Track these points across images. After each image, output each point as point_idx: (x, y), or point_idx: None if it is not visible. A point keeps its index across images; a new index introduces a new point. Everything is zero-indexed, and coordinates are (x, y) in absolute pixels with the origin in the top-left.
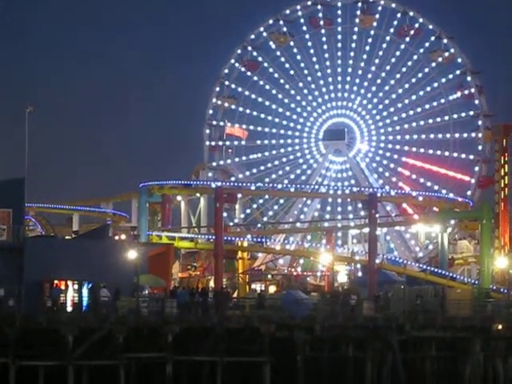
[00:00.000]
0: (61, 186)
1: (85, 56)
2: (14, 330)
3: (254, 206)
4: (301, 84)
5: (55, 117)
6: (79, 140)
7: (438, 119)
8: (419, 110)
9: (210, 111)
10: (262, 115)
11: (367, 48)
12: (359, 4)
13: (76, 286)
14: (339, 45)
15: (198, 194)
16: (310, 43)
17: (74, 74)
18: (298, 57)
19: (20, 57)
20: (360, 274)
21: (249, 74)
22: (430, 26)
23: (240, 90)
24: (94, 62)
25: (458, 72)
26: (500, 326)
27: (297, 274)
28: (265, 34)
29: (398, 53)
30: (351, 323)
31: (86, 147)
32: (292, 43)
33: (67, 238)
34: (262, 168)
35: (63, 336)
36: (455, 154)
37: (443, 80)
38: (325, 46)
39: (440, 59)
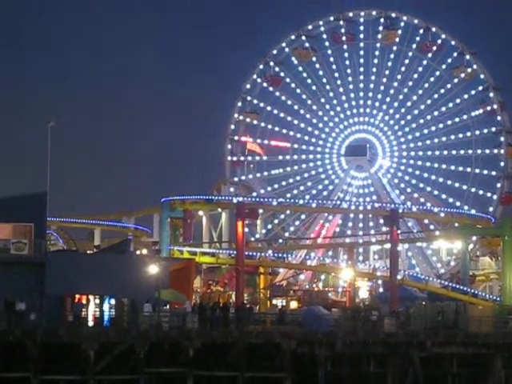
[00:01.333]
0: (83, 201)
1: (107, 69)
2: (35, 345)
3: (276, 221)
4: (323, 100)
5: (78, 131)
6: (102, 154)
7: (461, 135)
8: (441, 125)
9: (232, 126)
10: (284, 130)
11: (389, 64)
12: (382, 19)
13: (97, 301)
14: (361, 60)
15: (219, 209)
16: (332, 59)
17: (97, 87)
18: (320, 72)
19: (46, 72)
20: (381, 289)
21: (271, 89)
22: (453, 42)
23: (262, 105)
24: (116, 75)
25: (480, 88)
26: None
27: (318, 290)
28: (287, 49)
29: (420, 68)
30: (372, 339)
31: (109, 161)
32: (314, 59)
33: (89, 252)
34: (284, 183)
35: (84, 350)
36: (477, 170)
37: (465, 96)
38: (347, 62)
39: (462, 75)
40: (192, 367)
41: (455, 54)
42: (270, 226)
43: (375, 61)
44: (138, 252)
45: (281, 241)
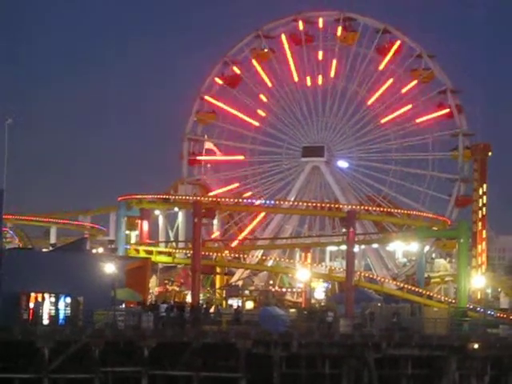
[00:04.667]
0: (39, 199)
1: (68, 70)
2: None
3: (233, 221)
4: (281, 100)
5: (34, 129)
6: (58, 152)
7: (418, 138)
8: (399, 128)
9: (190, 126)
10: (242, 130)
11: (348, 65)
12: (341, 21)
13: (53, 299)
14: (320, 61)
15: (176, 209)
16: (291, 59)
17: (56, 87)
18: (279, 73)
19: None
20: (337, 291)
21: (229, 89)
22: (411, 44)
23: (220, 105)
24: (75, 76)
25: (438, 91)
26: (476, 345)
27: (274, 290)
28: (246, 49)
29: (378, 70)
30: (328, 340)
31: (66, 160)
32: (273, 59)
33: (44, 250)
34: (241, 183)
35: (39, 349)
36: (434, 173)
37: (423, 98)
38: (306, 63)
39: (420, 78)
40: (147, 366)
41: (413, 57)
42: (226, 226)
43: (334, 62)
44: (94, 251)
45: (237, 241)
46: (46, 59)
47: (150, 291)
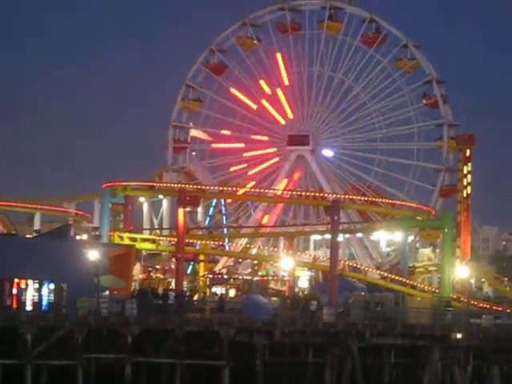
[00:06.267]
0: (23, 185)
1: (52, 57)
2: None
3: (217, 209)
4: (267, 89)
5: (19, 115)
6: (45, 139)
7: (403, 128)
8: (384, 117)
9: (175, 113)
10: (228, 118)
11: (333, 55)
12: (327, 10)
13: (36, 285)
14: (306, 50)
15: (160, 196)
16: (276, 48)
17: (42, 73)
18: (265, 61)
19: None
20: (321, 279)
21: (215, 77)
22: (397, 34)
23: (206, 92)
24: (64, 57)
25: (423, 81)
26: (459, 335)
27: (258, 279)
28: (232, 37)
29: (364, 60)
30: (311, 329)
31: (51, 146)
32: (259, 48)
33: (28, 236)
34: (226, 171)
35: (22, 335)
36: (419, 163)
37: (408, 88)
38: (291, 52)
39: (406, 68)
40: (130, 354)
41: (399, 47)
42: (211, 214)
43: (319, 51)
44: (78, 237)
45: (222, 229)
46: None
47: (134, 278)
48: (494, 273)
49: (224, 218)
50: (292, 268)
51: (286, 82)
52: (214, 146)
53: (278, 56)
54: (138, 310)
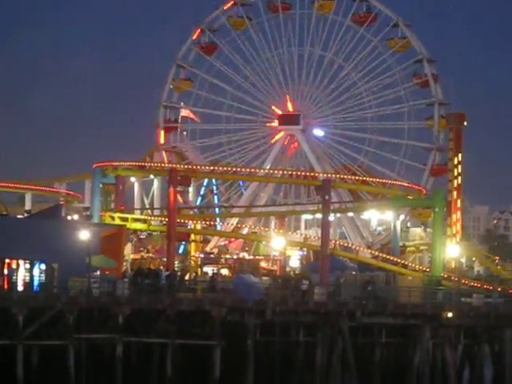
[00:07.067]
0: (14, 165)
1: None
2: None
3: (208, 188)
4: (258, 68)
5: (12, 94)
6: (36, 120)
7: (394, 107)
8: (374, 97)
9: (166, 93)
10: (219, 98)
11: (324, 34)
12: None
13: (28, 266)
14: (297, 30)
15: (151, 176)
16: (267, 27)
17: (41, 52)
18: (256, 41)
19: None
20: (312, 259)
21: (206, 56)
22: (388, 13)
23: (196, 72)
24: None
25: (414, 60)
26: (450, 314)
27: (249, 258)
28: (222, 17)
29: (354, 39)
30: (302, 308)
31: (43, 127)
32: (250, 27)
33: (19, 217)
34: (217, 151)
35: (13, 315)
36: (409, 142)
37: (399, 68)
38: (282, 31)
39: (397, 47)
40: (121, 333)
41: (390, 26)
42: (202, 194)
43: (310, 31)
44: (69, 217)
45: (213, 209)
46: None
47: (125, 258)
48: (485, 252)
49: (215, 197)
50: (283, 247)
51: (277, 62)
52: (205, 125)
53: (269, 35)
54: (132, 289)
